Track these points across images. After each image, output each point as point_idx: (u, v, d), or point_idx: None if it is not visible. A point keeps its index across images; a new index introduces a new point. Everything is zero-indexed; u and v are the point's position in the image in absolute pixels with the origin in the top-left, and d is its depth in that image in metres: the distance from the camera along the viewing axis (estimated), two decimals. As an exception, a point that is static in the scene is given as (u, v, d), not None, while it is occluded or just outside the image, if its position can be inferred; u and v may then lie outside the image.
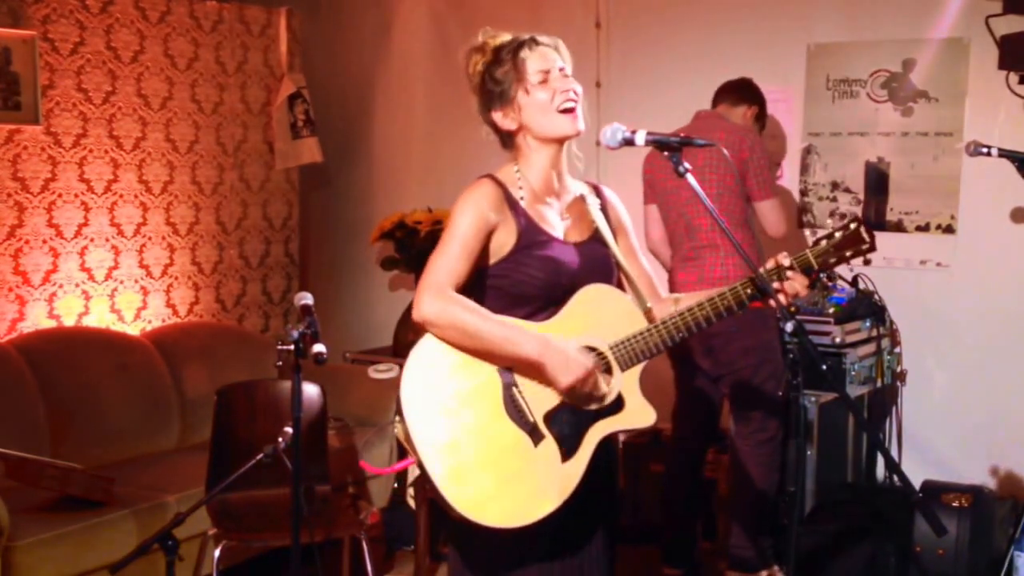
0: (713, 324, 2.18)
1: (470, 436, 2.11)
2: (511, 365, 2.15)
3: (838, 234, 2.15)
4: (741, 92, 4.05)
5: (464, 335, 2.12)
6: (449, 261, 2.16)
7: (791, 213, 4.39)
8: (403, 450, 4.40)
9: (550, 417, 2.15)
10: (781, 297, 2.13)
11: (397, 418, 2.15)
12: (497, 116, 2.27)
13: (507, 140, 2.31)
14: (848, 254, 2.15)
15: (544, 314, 2.20)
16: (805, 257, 2.15)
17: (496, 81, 2.24)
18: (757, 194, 3.83)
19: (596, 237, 2.31)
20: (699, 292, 2.31)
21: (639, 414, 2.20)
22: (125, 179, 4.65)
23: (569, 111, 2.22)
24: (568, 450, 2.15)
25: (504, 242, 2.21)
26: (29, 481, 3.50)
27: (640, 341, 2.19)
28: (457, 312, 2.11)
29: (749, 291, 2.15)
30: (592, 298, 2.21)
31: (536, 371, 2.13)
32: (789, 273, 2.13)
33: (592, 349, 2.18)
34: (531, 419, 2.14)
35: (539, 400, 2.15)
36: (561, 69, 2.25)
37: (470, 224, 2.18)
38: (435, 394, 2.12)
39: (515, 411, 2.14)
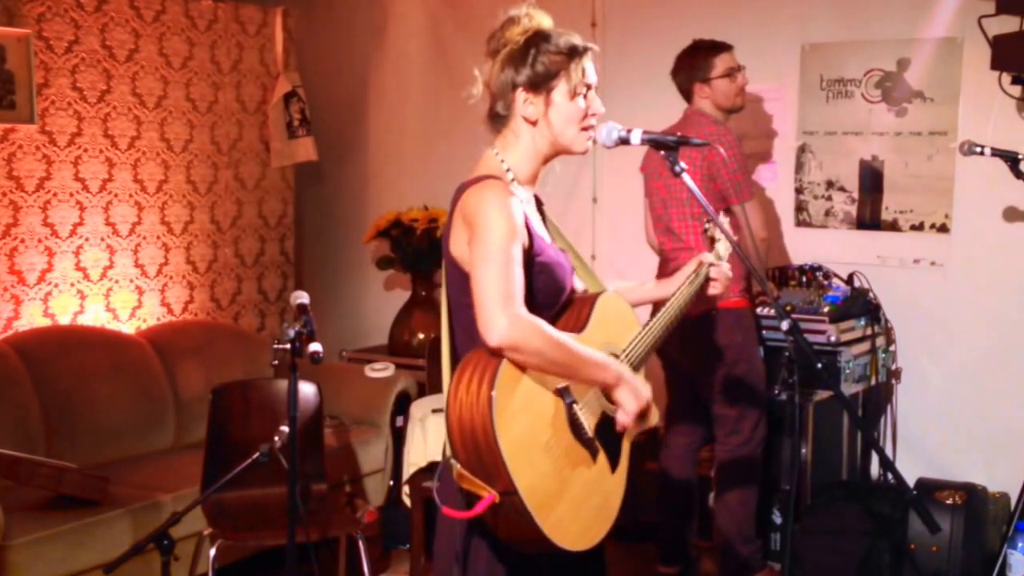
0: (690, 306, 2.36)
1: (552, 461, 1.99)
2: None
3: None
4: (677, 81, 3.90)
5: (549, 361, 1.96)
6: (508, 276, 1.96)
7: (769, 217, 4.33)
8: (399, 453, 4.41)
9: (597, 430, 2.09)
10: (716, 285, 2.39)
11: (454, 461, 1.94)
12: (521, 96, 2.12)
13: (501, 120, 2.16)
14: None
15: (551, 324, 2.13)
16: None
17: (543, 63, 2.10)
18: (734, 197, 3.71)
19: (555, 239, 2.25)
20: (662, 282, 2.45)
21: (650, 415, 2.20)
22: (120, 178, 4.65)
23: (587, 129, 2.15)
24: (613, 461, 2.12)
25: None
26: (23, 480, 3.49)
27: (644, 340, 2.20)
28: (541, 338, 1.95)
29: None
30: (609, 307, 2.18)
31: (588, 388, 2.06)
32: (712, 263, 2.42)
33: (615, 357, 2.15)
34: (589, 435, 2.05)
35: (588, 414, 2.07)
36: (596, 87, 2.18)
37: (509, 230, 2.00)
38: (523, 424, 1.95)
39: (577, 429, 2.04)
